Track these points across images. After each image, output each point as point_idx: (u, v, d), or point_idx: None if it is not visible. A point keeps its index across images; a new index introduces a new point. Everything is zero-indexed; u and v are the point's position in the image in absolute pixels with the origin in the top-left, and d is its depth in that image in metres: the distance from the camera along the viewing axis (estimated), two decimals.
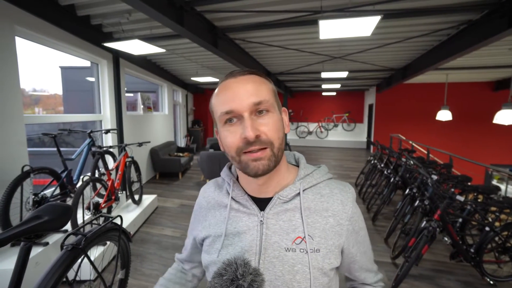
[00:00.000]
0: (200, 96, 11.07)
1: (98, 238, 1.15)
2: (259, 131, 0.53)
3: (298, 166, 0.68)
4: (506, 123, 4.44)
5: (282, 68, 6.21)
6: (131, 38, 3.18)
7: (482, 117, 7.46)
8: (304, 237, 0.58)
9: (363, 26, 2.46)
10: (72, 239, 1.06)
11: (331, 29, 2.54)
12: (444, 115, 6.40)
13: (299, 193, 0.61)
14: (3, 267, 1.98)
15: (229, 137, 0.55)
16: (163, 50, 3.60)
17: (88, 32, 3.59)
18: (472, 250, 2.30)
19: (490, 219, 2.53)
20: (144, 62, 5.51)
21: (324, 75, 5.55)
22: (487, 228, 2.23)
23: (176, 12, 2.77)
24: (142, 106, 5.80)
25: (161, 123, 6.85)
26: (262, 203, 0.62)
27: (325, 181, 0.64)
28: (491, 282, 2.27)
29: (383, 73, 6.46)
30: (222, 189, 0.68)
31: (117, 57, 4.38)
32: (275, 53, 4.84)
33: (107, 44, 3.35)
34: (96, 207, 2.89)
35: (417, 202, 2.67)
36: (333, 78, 6.82)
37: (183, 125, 9.38)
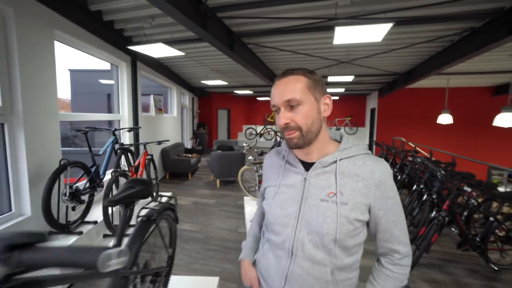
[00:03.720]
0: (206, 99, 11.27)
1: (161, 214, 1.33)
2: (288, 120, 0.76)
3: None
4: (506, 126, 4.66)
5: None
6: (156, 41, 3.39)
7: (482, 121, 7.70)
8: (336, 192, 0.76)
9: (375, 32, 2.67)
10: (142, 212, 1.24)
11: (346, 35, 2.75)
12: (445, 118, 6.62)
13: (336, 161, 0.79)
14: None
15: (277, 121, 0.79)
16: (183, 54, 3.81)
17: (111, 36, 3.79)
18: (477, 239, 2.48)
19: (493, 211, 2.72)
20: (157, 65, 5.72)
21: (330, 79, 5.77)
22: (491, 218, 2.42)
23: (201, 18, 2.98)
24: (154, 108, 5.98)
25: (171, 125, 7.03)
26: (307, 165, 0.82)
27: (361, 155, 0.80)
28: (496, 268, 2.45)
29: (386, 78, 6.70)
30: (280, 154, 0.93)
31: (135, 60, 4.58)
32: (285, 57, 5.06)
33: (132, 47, 3.56)
34: None
35: (425, 196, 2.86)
36: (339, 82, 7.05)
37: (189, 127, 9.56)
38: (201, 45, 4.32)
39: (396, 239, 0.79)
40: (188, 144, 9.29)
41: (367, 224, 0.81)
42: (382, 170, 0.76)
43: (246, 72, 6.11)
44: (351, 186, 0.76)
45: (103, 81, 8.81)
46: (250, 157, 4.04)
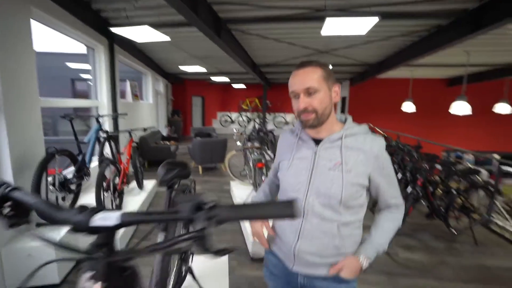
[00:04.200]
0: (180, 86, 10.93)
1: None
2: (307, 105, 0.89)
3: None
4: (460, 114, 5.28)
5: (269, 60, 6.52)
6: (140, 24, 3.25)
7: (439, 109, 8.60)
8: (342, 163, 0.91)
9: (361, 26, 2.88)
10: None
11: (334, 26, 2.92)
12: (409, 106, 7.28)
13: (341, 137, 0.94)
14: None
15: (295, 106, 0.93)
16: (168, 39, 3.70)
17: (88, 16, 3.55)
18: (442, 209, 2.92)
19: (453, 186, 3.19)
20: (133, 50, 5.45)
21: None
22: (453, 191, 2.85)
23: (193, 2, 2.93)
24: (130, 94, 5.73)
25: (147, 112, 6.80)
26: (317, 142, 0.97)
27: (362, 134, 0.96)
28: (455, 232, 2.93)
29: (358, 68, 7.12)
30: (293, 133, 1.06)
31: (112, 43, 4.33)
32: (267, 45, 5.13)
33: (114, 29, 3.37)
34: (114, 189, 3.01)
35: (400, 175, 3.23)
36: None
37: (164, 114, 9.27)
38: (184, 30, 4.20)
39: (392, 196, 0.99)
40: (164, 132, 9.05)
41: (367, 190, 0.97)
42: (379, 146, 0.93)
43: (226, 59, 6.06)
44: (354, 158, 0.91)
45: (70, 65, 8.06)
46: (238, 143, 4.13)
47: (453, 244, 2.92)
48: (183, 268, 1.44)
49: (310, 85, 0.88)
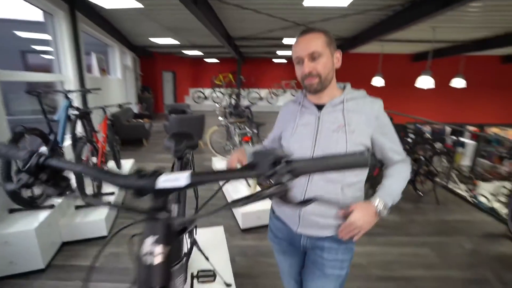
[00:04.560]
0: (148, 60, 10.22)
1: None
2: (311, 69, 0.92)
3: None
4: (425, 87, 5.69)
5: (245, 33, 6.30)
6: None
7: (404, 83, 9.13)
8: (345, 124, 0.95)
9: None
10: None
11: None
12: (378, 81, 7.63)
13: (343, 101, 0.98)
14: None
15: (298, 71, 0.96)
16: (141, 6, 3.40)
17: None
18: (411, 174, 3.24)
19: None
20: (98, 18, 4.91)
21: (286, 41, 5.92)
22: (422, 158, 3.16)
23: None
24: (97, 68, 5.27)
25: (117, 88, 6.34)
26: (320, 107, 1.00)
27: (362, 98, 1.01)
28: (421, 194, 3.30)
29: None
30: (296, 102, 1.09)
31: (73, 8, 3.86)
32: (245, 16, 4.92)
33: None
34: None
35: None
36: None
37: (133, 91, 8.71)
38: None
39: (396, 152, 1.02)
40: (135, 109, 8.57)
41: (369, 151, 1.02)
42: (379, 106, 0.99)
43: (200, 31, 5.73)
44: (357, 120, 0.95)
45: (19, 34, 6.96)
46: (220, 118, 4.08)
47: (419, 204, 3.30)
48: (189, 240, 1.47)
49: (315, 50, 0.90)
